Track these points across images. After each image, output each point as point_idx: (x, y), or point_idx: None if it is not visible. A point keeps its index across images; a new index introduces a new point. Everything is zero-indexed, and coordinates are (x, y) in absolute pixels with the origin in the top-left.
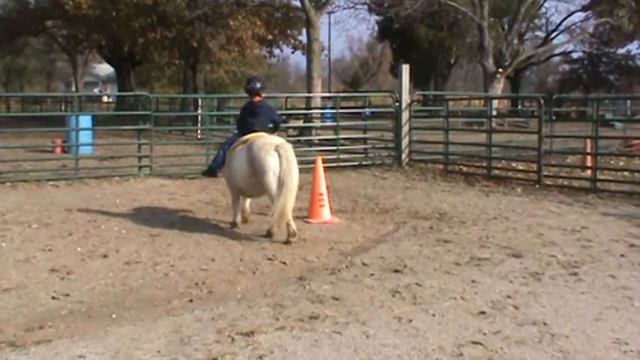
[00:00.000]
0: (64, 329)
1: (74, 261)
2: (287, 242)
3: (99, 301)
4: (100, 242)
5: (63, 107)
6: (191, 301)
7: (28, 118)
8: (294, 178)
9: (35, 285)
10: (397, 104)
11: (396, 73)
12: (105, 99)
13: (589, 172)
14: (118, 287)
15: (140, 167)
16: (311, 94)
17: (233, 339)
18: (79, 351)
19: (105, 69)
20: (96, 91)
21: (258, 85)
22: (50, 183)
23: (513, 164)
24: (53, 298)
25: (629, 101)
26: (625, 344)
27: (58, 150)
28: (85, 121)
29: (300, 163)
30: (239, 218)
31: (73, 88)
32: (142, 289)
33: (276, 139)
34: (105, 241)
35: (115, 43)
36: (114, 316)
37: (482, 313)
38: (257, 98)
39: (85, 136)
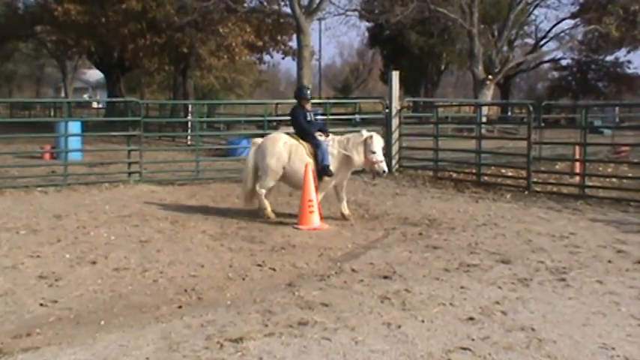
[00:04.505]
0: (52, 336)
1: (63, 267)
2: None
3: (87, 308)
4: (89, 248)
5: (52, 113)
6: (180, 307)
7: (17, 123)
8: (245, 168)
9: (23, 291)
10: (387, 111)
11: (386, 79)
12: (94, 105)
13: (577, 178)
14: (106, 294)
15: (130, 173)
16: None
17: (222, 345)
18: (67, 358)
19: (94, 75)
20: (85, 97)
21: (298, 93)
22: (39, 189)
23: (503, 171)
24: (41, 304)
25: (617, 108)
26: (612, 349)
27: (47, 156)
28: (75, 127)
29: None
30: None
31: (63, 94)
32: (130, 296)
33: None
34: (94, 247)
35: (105, 48)
36: (102, 322)
37: (471, 318)
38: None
39: (75, 142)
